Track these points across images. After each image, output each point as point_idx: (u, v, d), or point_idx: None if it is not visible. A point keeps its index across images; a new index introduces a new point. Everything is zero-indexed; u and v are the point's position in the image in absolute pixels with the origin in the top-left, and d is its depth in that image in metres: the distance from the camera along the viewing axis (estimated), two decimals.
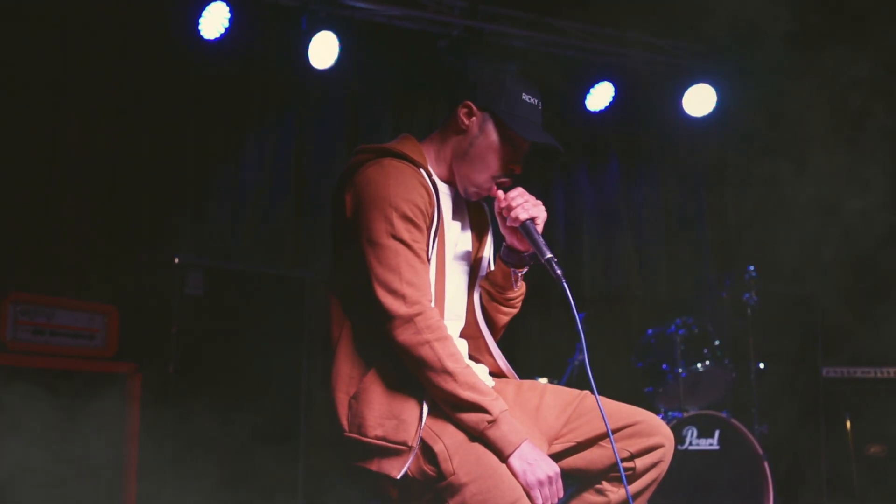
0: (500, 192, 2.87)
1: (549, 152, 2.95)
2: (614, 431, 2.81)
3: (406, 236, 2.65)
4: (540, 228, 2.84)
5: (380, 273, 2.62)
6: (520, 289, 3.06)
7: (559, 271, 2.73)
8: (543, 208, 2.87)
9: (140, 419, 4.77)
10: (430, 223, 2.74)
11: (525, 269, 3.01)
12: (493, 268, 3.08)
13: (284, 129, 6.43)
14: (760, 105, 7.03)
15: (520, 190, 2.87)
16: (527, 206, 2.82)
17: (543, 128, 2.91)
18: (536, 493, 2.54)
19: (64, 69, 5.63)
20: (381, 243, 2.63)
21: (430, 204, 2.74)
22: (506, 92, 2.85)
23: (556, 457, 2.83)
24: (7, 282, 4.66)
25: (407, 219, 2.66)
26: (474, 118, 2.87)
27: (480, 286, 3.05)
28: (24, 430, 4.35)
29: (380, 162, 2.75)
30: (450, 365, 2.58)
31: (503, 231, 2.94)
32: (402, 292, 2.60)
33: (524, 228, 2.82)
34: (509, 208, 2.83)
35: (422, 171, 2.79)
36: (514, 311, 3.10)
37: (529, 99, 2.87)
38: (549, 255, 2.76)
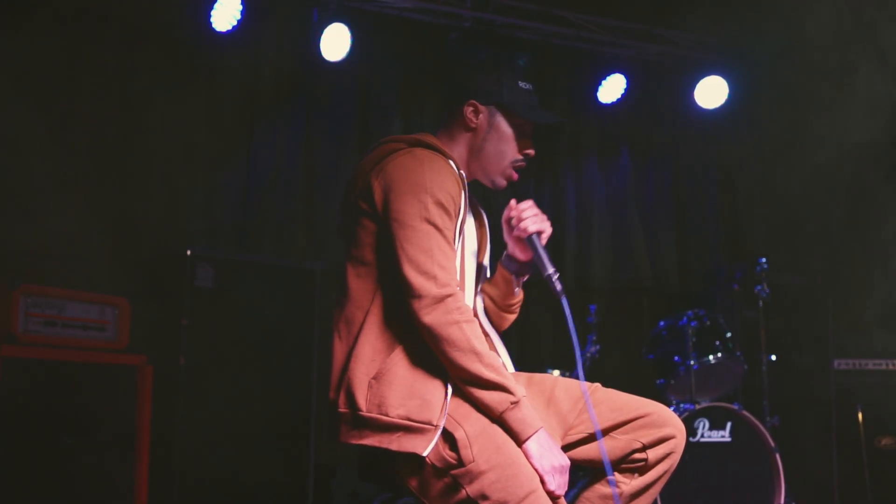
0: (513, 201, 2.95)
1: (556, 128, 3.10)
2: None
3: (439, 221, 2.70)
4: (544, 242, 2.90)
5: (411, 254, 2.66)
6: (519, 295, 3.13)
7: (559, 287, 2.79)
8: (549, 224, 2.94)
9: (150, 412, 4.77)
10: (458, 214, 2.79)
11: (526, 277, 3.08)
12: (490, 273, 3.14)
13: (295, 121, 6.42)
14: (772, 97, 7.00)
15: (531, 202, 2.95)
16: (536, 220, 2.90)
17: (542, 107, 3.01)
18: (550, 479, 2.57)
19: (75, 59, 5.63)
20: (413, 226, 2.68)
21: (460, 195, 2.79)
22: (504, 83, 2.92)
23: (568, 447, 2.87)
24: (18, 274, 4.66)
25: (441, 205, 2.71)
26: (481, 115, 2.93)
27: (484, 292, 3.12)
28: (33, 422, 4.37)
29: (412, 151, 2.81)
30: (477, 346, 2.62)
31: (507, 238, 3.03)
32: (433, 273, 2.64)
33: (530, 241, 2.90)
34: (519, 219, 2.91)
35: (451, 162, 2.86)
36: (514, 316, 3.18)
37: (525, 85, 2.95)
38: (551, 270, 2.82)
